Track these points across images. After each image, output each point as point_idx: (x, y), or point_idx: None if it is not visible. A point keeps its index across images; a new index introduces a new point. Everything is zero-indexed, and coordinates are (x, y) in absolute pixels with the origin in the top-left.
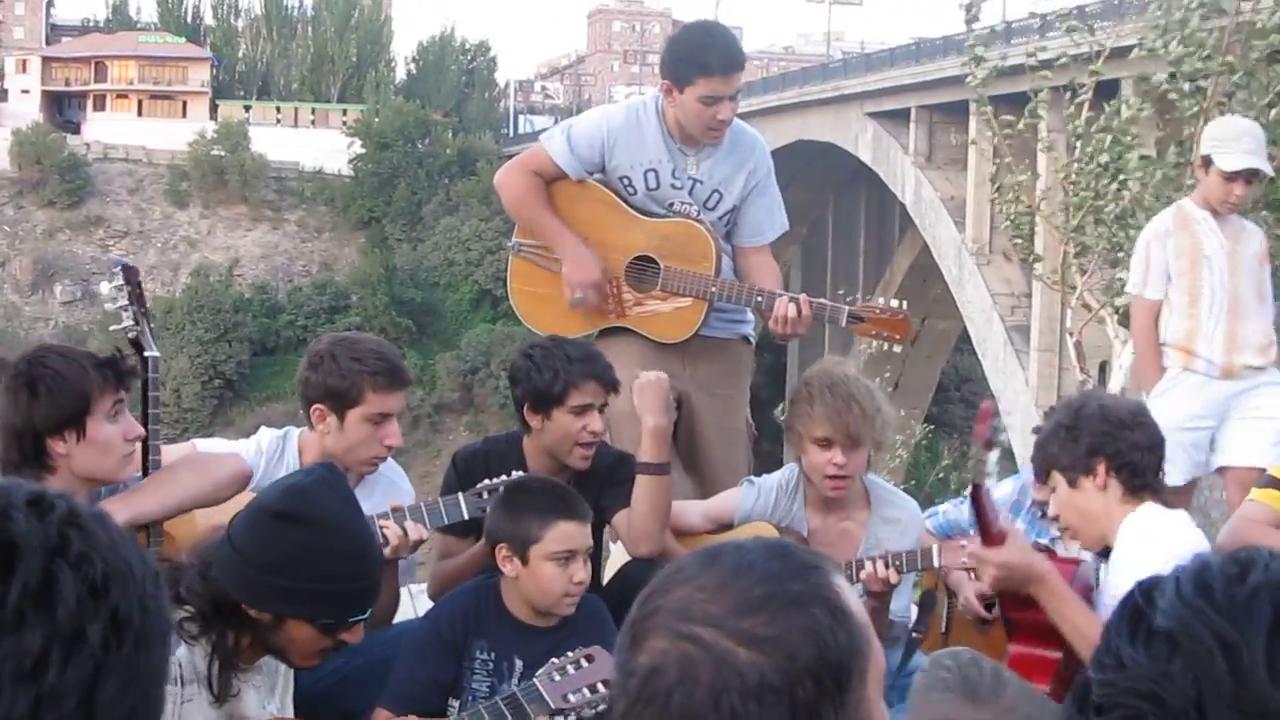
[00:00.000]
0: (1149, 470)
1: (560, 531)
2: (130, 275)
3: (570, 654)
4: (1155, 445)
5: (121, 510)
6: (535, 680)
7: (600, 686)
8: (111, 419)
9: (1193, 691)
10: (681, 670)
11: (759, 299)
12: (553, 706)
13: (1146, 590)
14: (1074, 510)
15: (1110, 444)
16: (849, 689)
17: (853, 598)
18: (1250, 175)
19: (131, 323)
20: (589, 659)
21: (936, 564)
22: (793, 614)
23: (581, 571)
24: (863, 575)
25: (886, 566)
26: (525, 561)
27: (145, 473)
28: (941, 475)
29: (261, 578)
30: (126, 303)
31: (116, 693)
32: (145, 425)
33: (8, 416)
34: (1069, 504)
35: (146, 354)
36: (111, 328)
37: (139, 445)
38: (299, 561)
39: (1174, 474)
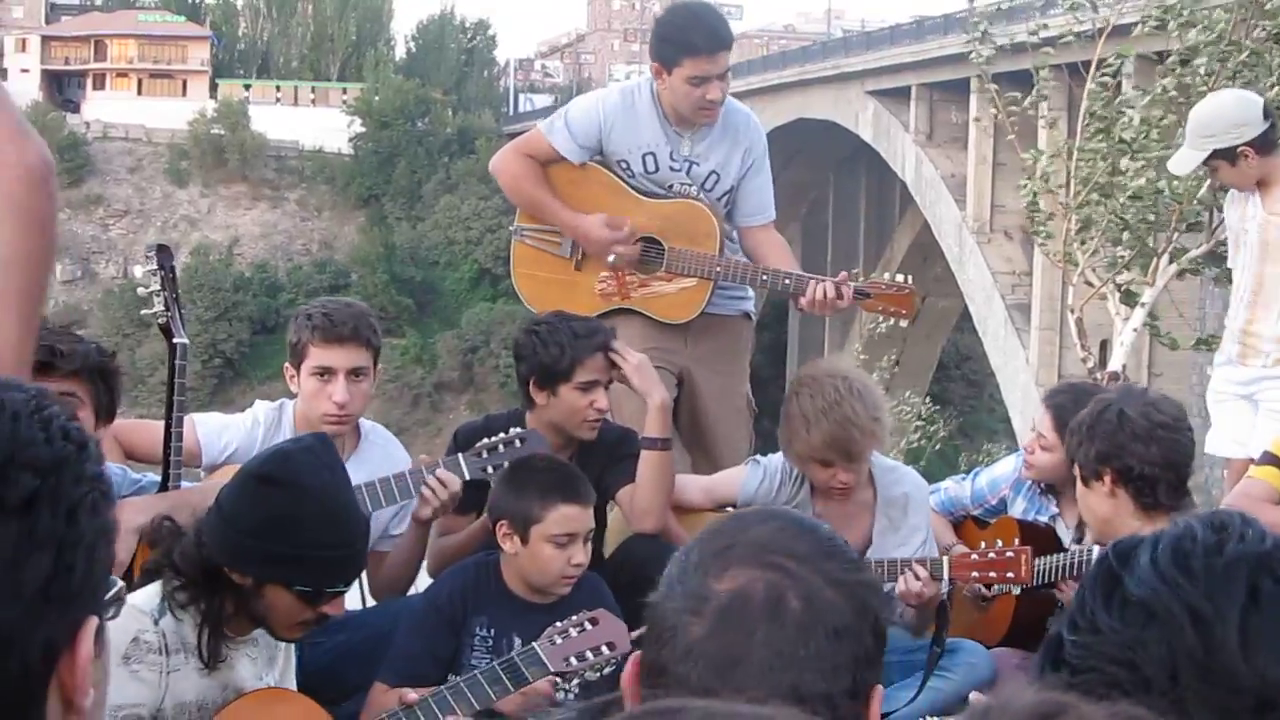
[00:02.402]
0: (1162, 487)
1: (561, 514)
2: (164, 259)
3: (574, 617)
4: (1174, 462)
5: (137, 513)
6: (535, 645)
7: (604, 649)
8: None
9: (1167, 660)
10: (770, 597)
11: (764, 277)
12: (552, 669)
13: (1121, 555)
14: (1085, 508)
15: (1118, 456)
16: (875, 672)
17: None
18: (1211, 164)
19: (162, 308)
20: (593, 621)
21: (945, 577)
22: (861, 568)
23: (580, 554)
24: (898, 590)
25: (917, 578)
26: (525, 540)
27: (166, 460)
28: (939, 448)
29: (242, 540)
30: (159, 287)
31: None
32: (170, 413)
33: None
34: (1082, 500)
35: (175, 340)
36: (143, 312)
37: None
38: (277, 525)
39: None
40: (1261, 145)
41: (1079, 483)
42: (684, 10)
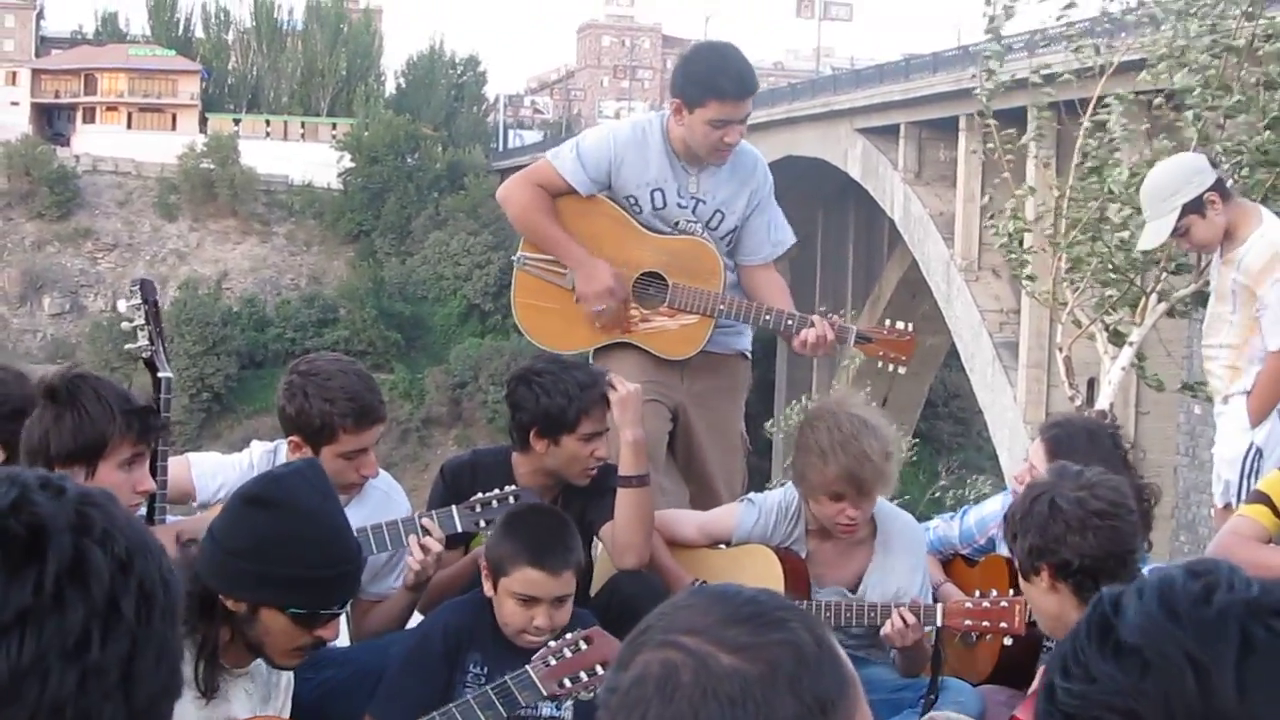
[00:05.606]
0: (1104, 578)
1: (524, 576)
2: (148, 292)
3: (568, 636)
4: (1113, 552)
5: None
6: (528, 667)
7: (599, 668)
8: (125, 468)
9: (1164, 708)
10: (663, 674)
11: (767, 317)
12: (545, 693)
13: (1113, 601)
14: (1031, 603)
15: (1053, 551)
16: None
17: (840, 649)
18: (1183, 224)
19: (146, 342)
20: (587, 641)
21: (939, 623)
22: (776, 629)
23: (543, 618)
24: (884, 633)
25: (904, 621)
26: (495, 587)
27: (151, 494)
28: (936, 495)
29: (233, 563)
30: (143, 321)
31: (152, 665)
32: (155, 446)
33: (30, 433)
34: (1026, 595)
35: (160, 375)
36: (127, 346)
37: (145, 500)
38: (268, 546)
39: None
40: (1222, 190)
41: (1020, 577)
42: (713, 52)
